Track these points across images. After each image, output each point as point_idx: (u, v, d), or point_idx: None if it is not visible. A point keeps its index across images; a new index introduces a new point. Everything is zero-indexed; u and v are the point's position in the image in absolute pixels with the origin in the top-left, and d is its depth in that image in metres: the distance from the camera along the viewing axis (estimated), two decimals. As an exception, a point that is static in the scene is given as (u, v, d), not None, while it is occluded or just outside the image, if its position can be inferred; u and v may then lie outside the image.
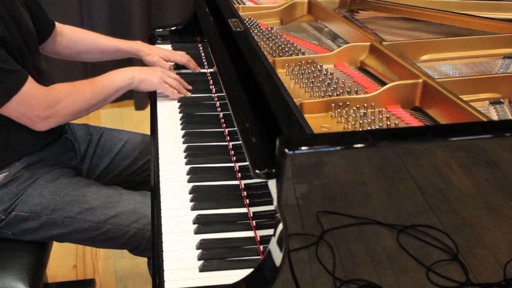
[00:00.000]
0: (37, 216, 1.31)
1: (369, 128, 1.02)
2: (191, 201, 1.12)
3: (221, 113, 1.43)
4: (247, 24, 1.59)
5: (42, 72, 1.39)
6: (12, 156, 1.33)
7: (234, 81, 1.19)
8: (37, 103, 1.25)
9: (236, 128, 1.04)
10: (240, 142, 0.99)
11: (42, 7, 1.49)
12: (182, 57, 1.66)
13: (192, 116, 1.43)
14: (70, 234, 1.33)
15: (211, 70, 1.66)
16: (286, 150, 0.72)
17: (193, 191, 1.14)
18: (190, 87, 1.54)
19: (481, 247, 0.88)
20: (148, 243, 1.32)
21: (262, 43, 1.45)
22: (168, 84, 1.48)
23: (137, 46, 1.67)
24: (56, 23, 1.57)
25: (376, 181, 0.78)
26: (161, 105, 1.49)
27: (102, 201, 1.32)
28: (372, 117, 1.04)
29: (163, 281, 0.92)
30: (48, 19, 1.52)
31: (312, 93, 1.19)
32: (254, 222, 1.05)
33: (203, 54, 1.80)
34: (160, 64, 1.62)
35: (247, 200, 1.11)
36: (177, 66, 1.68)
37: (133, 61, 3.11)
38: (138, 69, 1.46)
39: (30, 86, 1.23)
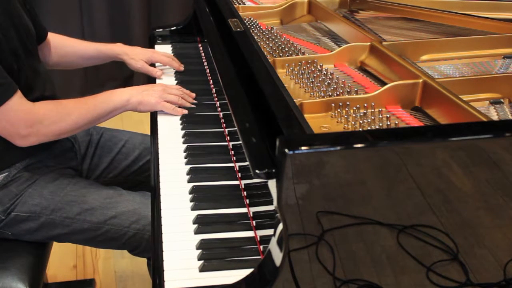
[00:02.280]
0: (36, 217, 1.31)
1: (369, 128, 1.02)
2: (191, 201, 1.12)
3: (221, 113, 1.43)
4: (247, 24, 1.59)
5: (39, 74, 1.38)
6: (13, 157, 1.33)
7: (234, 81, 1.19)
8: (18, 120, 1.22)
9: (236, 128, 1.04)
10: (240, 142, 0.99)
11: (36, 13, 1.48)
12: (164, 57, 1.65)
13: (192, 116, 1.43)
14: (69, 235, 1.33)
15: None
16: (286, 150, 0.72)
17: (193, 191, 1.14)
18: (193, 95, 1.48)
19: (481, 247, 0.88)
20: (147, 244, 1.32)
21: (262, 43, 1.45)
22: (168, 101, 1.41)
23: (117, 49, 1.64)
24: None
25: (376, 181, 0.78)
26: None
27: (101, 202, 1.32)
28: (372, 117, 1.04)
29: (163, 281, 0.92)
30: (42, 25, 1.52)
31: (312, 93, 1.19)
32: (254, 222, 1.05)
33: (203, 54, 1.80)
34: (144, 70, 1.62)
35: (247, 200, 1.11)
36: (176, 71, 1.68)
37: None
38: (136, 90, 1.39)
39: (16, 101, 1.20)
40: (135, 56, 1.63)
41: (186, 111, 1.43)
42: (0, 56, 1.20)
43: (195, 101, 1.47)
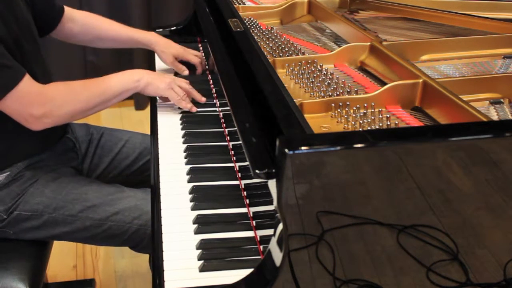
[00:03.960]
0: (39, 215, 1.31)
1: (369, 128, 1.02)
2: (191, 201, 1.12)
3: (221, 113, 1.43)
4: (247, 24, 1.59)
5: (40, 70, 1.38)
6: (15, 157, 1.33)
7: (234, 81, 1.19)
8: (31, 101, 1.22)
9: (236, 128, 1.04)
10: (240, 142, 0.99)
11: None
12: (194, 56, 1.66)
13: (192, 116, 1.43)
14: (72, 233, 1.33)
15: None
16: (286, 150, 0.72)
17: (193, 191, 1.14)
18: (203, 99, 1.46)
19: (481, 247, 0.88)
20: (150, 240, 1.32)
21: (262, 43, 1.45)
22: (175, 92, 1.41)
23: (152, 38, 1.65)
24: (67, 8, 1.57)
25: (376, 181, 0.78)
26: (161, 105, 1.48)
27: (103, 199, 1.33)
28: (372, 117, 1.04)
29: (163, 281, 0.92)
30: (55, 6, 1.53)
31: (312, 93, 1.19)
32: (254, 222, 1.05)
33: (203, 54, 1.80)
34: (173, 65, 1.63)
35: (247, 200, 1.11)
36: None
37: (133, 61, 3.13)
38: (147, 72, 1.40)
39: (27, 83, 1.21)
40: (166, 49, 1.63)
41: (189, 106, 1.42)
42: (5, 45, 1.20)
43: (203, 99, 1.46)
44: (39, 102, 1.23)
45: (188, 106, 1.42)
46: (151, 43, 1.64)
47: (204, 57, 1.70)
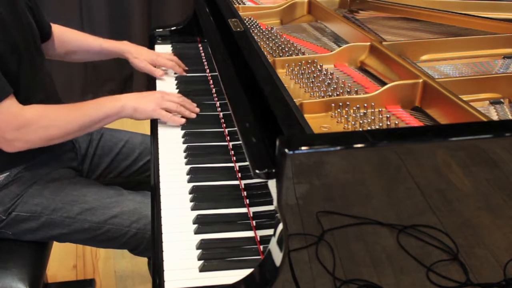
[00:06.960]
0: (37, 216, 1.31)
1: (369, 128, 1.02)
2: (191, 201, 1.12)
3: (221, 113, 1.43)
4: (247, 24, 1.59)
5: (42, 73, 1.38)
6: (16, 160, 1.33)
7: (234, 81, 1.19)
8: (5, 123, 1.18)
9: (236, 128, 1.04)
10: (240, 142, 0.99)
11: (41, 10, 1.48)
12: (168, 61, 1.64)
13: (192, 116, 1.43)
14: (70, 234, 1.33)
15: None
16: (286, 150, 0.72)
17: (193, 191, 1.14)
18: (197, 110, 1.41)
19: (481, 247, 0.88)
20: (148, 243, 1.32)
21: (262, 43, 1.45)
22: (166, 108, 1.34)
23: (123, 47, 1.64)
24: None
25: (376, 181, 0.78)
26: (161, 105, 1.48)
27: (102, 201, 1.32)
28: (372, 117, 1.04)
29: (163, 281, 0.92)
30: (46, 21, 1.52)
31: (312, 93, 1.19)
32: (254, 222, 1.05)
33: (203, 54, 1.80)
34: (147, 69, 1.61)
35: (247, 200, 1.11)
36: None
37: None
38: (134, 96, 1.33)
39: (7, 104, 1.18)
40: (138, 55, 1.63)
41: (184, 120, 1.37)
42: None
43: (197, 109, 1.41)
44: (14, 125, 1.20)
45: (182, 121, 1.37)
46: (123, 51, 1.64)
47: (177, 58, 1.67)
